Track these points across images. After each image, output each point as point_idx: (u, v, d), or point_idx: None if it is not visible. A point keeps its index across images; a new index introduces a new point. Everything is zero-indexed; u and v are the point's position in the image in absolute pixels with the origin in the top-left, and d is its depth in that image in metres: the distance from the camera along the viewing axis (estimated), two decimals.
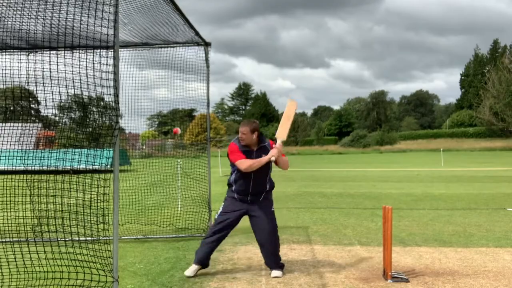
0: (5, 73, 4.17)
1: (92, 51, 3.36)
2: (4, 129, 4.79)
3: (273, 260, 4.75)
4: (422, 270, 4.89)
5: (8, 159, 4.84)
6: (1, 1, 3.97)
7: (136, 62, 6.91)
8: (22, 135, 4.68)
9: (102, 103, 3.63)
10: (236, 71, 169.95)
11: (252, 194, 4.67)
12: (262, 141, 4.72)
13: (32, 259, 3.94)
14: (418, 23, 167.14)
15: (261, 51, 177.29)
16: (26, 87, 4.12)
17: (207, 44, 6.62)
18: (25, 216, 4.67)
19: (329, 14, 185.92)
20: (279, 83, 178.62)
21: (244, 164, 4.53)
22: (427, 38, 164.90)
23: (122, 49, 6.62)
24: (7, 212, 4.75)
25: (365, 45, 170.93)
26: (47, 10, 3.63)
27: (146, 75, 6.96)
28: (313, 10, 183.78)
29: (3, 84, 4.28)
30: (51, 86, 3.50)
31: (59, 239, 4.09)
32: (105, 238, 3.68)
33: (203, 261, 4.78)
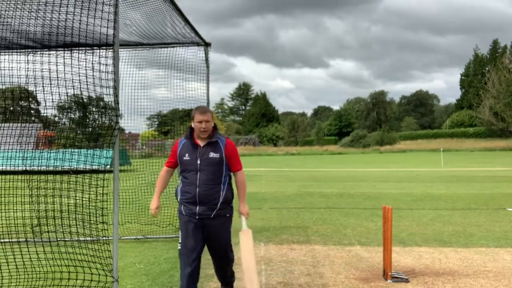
0: (5, 73, 4.16)
1: (92, 51, 3.36)
2: (4, 129, 4.79)
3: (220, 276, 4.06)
4: (422, 270, 4.88)
5: (8, 159, 4.84)
6: (1, 1, 3.97)
7: (136, 62, 6.92)
8: (22, 135, 4.67)
9: (102, 103, 3.63)
10: (235, 71, 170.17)
11: (201, 203, 3.64)
12: (214, 135, 3.72)
13: (32, 259, 3.94)
14: (417, 23, 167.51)
15: (260, 51, 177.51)
16: (26, 87, 4.12)
17: (207, 44, 6.63)
18: (25, 216, 4.67)
19: (328, 14, 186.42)
20: (278, 82, 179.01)
21: (160, 173, 3.97)
22: (426, 37, 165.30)
23: (122, 49, 6.63)
24: (7, 212, 4.75)
25: (364, 45, 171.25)
26: (47, 10, 3.62)
27: (146, 75, 6.97)
28: (311, 9, 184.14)
29: (2, 84, 4.27)
30: (51, 86, 3.49)
31: (59, 239, 4.09)
32: (105, 238, 3.68)
33: None
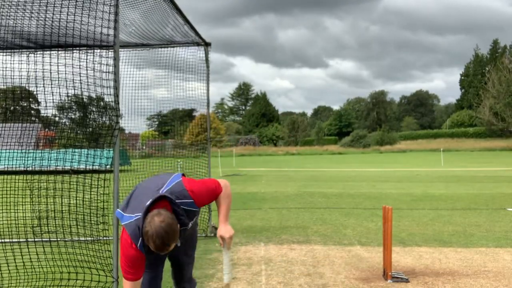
0: (5, 73, 4.17)
1: (92, 51, 3.36)
2: (4, 130, 4.79)
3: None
4: (422, 270, 4.89)
5: (8, 159, 4.85)
6: (1, 1, 3.97)
7: (136, 62, 6.92)
8: (22, 136, 4.68)
9: (102, 103, 3.63)
10: (234, 71, 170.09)
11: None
12: (182, 217, 2.61)
13: (32, 259, 3.95)
14: (416, 22, 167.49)
15: (258, 51, 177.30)
16: (26, 87, 4.13)
17: (207, 44, 6.63)
18: (25, 217, 4.68)
19: (327, 13, 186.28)
20: (278, 82, 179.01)
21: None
22: (425, 37, 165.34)
23: (122, 49, 6.63)
24: (7, 212, 4.76)
25: (363, 45, 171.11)
26: (47, 11, 3.63)
27: (146, 75, 6.97)
28: (310, 9, 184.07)
29: (3, 84, 4.28)
30: (51, 86, 3.50)
31: (59, 239, 4.10)
32: (105, 238, 3.69)
33: None
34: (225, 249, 2.81)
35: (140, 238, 2.50)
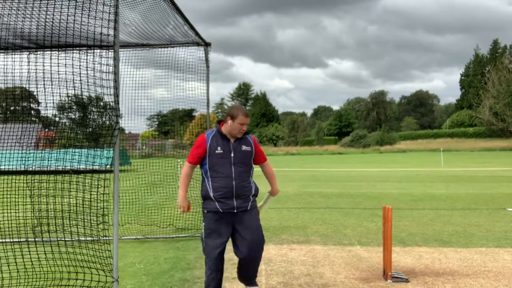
0: (5, 73, 4.17)
1: (92, 51, 3.36)
2: (4, 130, 4.79)
3: (252, 276, 3.94)
4: (422, 270, 4.89)
5: (8, 159, 4.85)
6: (1, 1, 3.97)
7: (136, 62, 6.91)
8: (22, 136, 4.68)
9: (102, 103, 3.63)
10: (233, 70, 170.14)
11: (237, 196, 3.72)
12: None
13: (32, 259, 3.94)
14: (415, 22, 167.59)
15: (257, 50, 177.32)
16: (26, 87, 4.13)
17: (207, 44, 6.62)
18: (25, 217, 4.68)
19: (325, 13, 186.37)
20: (277, 82, 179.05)
21: (183, 170, 3.85)
22: (424, 37, 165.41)
23: (122, 49, 6.63)
24: (7, 212, 4.76)
25: (362, 44, 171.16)
26: (47, 11, 3.63)
27: (146, 75, 6.97)
28: (309, 9, 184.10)
29: (3, 84, 4.28)
30: (51, 86, 3.50)
31: (59, 239, 4.10)
32: (105, 238, 3.69)
33: None
34: (270, 196, 4.15)
35: (211, 130, 3.80)
